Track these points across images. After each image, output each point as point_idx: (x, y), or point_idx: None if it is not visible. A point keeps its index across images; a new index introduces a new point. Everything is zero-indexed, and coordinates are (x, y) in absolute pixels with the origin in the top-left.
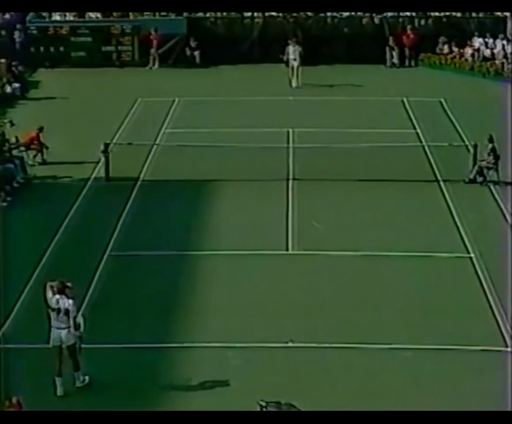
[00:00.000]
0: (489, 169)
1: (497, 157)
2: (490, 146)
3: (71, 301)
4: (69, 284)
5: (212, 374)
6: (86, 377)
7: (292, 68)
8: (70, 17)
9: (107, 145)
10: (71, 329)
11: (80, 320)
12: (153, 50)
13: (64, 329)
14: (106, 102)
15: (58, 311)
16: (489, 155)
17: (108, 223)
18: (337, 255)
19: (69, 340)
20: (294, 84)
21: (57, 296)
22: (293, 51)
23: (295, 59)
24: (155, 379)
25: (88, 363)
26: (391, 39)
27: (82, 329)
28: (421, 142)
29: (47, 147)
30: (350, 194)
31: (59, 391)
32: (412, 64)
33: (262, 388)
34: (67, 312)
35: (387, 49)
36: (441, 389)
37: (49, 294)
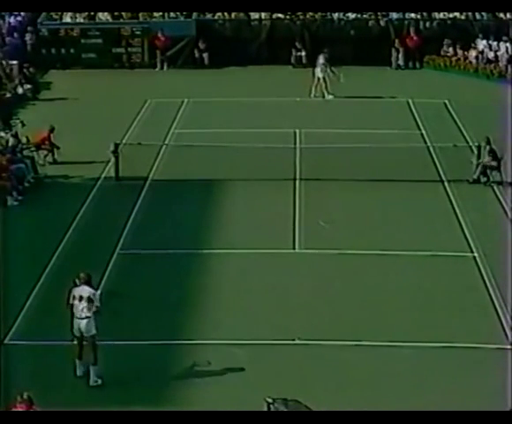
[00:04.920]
0: (492, 169)
1: (496, 158)
2: (488, 148)
3: (93, 291)
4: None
5: (219, 371)
6: (100, 380)
7: (320, 79)
8: (80, 19)
9: (117, 145)
10: (91, 320)
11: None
12: (159, 53)
13: (84, 318)
14: (116, 103)
15: (80, 299)
16: (488, 156)
17: (117, 221)
18: (343, 254)
19: (89, 331)
20: (329, 96)
21: (81, 287)
22: (324, 63)
23: (321, 71)
24: (163, 375)
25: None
26: (397, 41)
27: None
28: (426, 143)
29: (58, 148)
30: (356, 194)
31: (79, 372)
32: (417, 65)
33: (269, 384)
34: (88, 300)
35: (393, 50)
36: (445, 386)
37: (72, 293)
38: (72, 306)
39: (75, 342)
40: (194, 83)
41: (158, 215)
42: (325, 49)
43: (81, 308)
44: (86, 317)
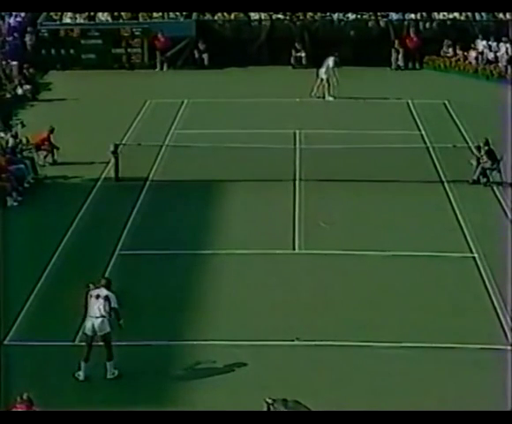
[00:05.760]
0: (492, 170)
1: (495, 159)
2: (485, 148)
3: (111, 293)
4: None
5: (219, 371)
6: (116, 371)
7: (323, 80)
8: (80, 19)
9: (117, 145)
10: (105, 319)
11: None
12: (159, 53)
13: (99, 317)
14: (116, 104)
15: (97, 297)
16: (486, 157)
17: (117, 222)
18: (343, 255)
19: (102, 329)
20: (329, 98)
21: (100, 289)
22: (332, 66)
23: (325, 72)
24: (163, 375)
25: (99, 359)
26: (396, 42)
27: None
28: (425, 144)
29: (57, 148)
30: (356, 195)
31: (81, 375)
32: (417, 66)
33: (269, 385)
34: (105, 299)
35: (393, 51)
36: (445, 386)
37: (90, 293)
38: (87, 306)
39: (83, 343)
40: (194, 84)
41: (158, 216)
42: (336, 53)
43: (97, 306)
44: (102, 316)
